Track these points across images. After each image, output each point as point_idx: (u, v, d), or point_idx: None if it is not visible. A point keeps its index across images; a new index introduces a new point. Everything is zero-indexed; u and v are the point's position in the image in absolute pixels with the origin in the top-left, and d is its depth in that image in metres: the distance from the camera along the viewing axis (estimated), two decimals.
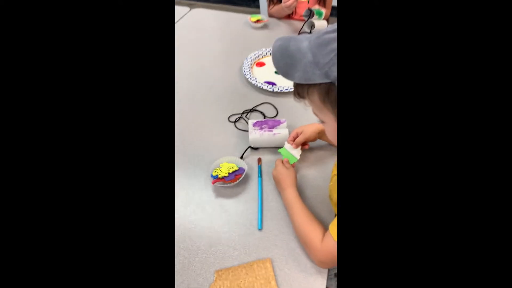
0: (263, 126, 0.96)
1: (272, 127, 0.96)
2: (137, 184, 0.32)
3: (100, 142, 0.31)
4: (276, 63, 0.54)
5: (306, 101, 0.56)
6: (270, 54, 1.41)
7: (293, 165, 0.88)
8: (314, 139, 0.92)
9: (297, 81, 0.52)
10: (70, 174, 0.30)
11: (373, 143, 0.30)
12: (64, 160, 0.30)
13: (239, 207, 0.83)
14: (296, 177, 0.84)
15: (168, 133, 0.33)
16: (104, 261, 0.31)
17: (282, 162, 0.87)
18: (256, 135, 0.93)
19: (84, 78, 0.31)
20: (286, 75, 0.52)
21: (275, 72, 1.28)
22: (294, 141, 0.89)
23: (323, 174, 0.89)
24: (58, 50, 0.30)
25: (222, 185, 0.85)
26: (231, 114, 1.08)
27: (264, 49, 1.37)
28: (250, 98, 1.15)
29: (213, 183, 0.85)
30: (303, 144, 0.92)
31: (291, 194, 0.79)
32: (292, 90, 0.57)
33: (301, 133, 0.90)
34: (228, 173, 0.86)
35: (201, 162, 0.93)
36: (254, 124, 0.97)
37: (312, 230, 0.69)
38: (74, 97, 0.31)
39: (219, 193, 0.86)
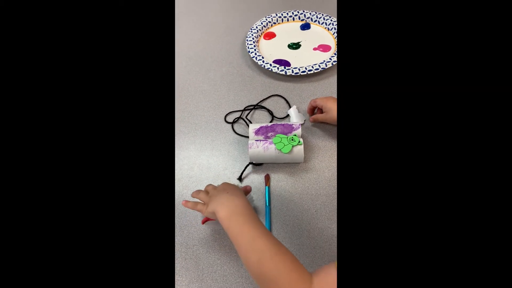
0: (270, 135, 0.70)
1: (282, 134, 0.69)
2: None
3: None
4: None
5: None
6: (282, 20, 1.12)
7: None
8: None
9: None
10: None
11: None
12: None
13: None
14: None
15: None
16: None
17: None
18: (258, 150, 0.68)
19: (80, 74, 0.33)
20: None
21: (290, 46, 0.98)
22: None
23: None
24: (60, 46, 0.32)
25: (216, 223, 0.62)
26: (229, 111, 0.82)
27: (274, 14, 1.06)
28: (255, 85, 0.88)
29: (204, 222, 0.63)
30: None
31: (243, 207, 0.50)
32: (312, 71, 0.49)
33: (320, 110, 0.74)
34: None
35: (187, 186, 0.70)
36: (257, 131, 0.71)
37: (292, 271, 0.43)
38: (73, 98, 0.33)
39: (213, 231, 0.64)
